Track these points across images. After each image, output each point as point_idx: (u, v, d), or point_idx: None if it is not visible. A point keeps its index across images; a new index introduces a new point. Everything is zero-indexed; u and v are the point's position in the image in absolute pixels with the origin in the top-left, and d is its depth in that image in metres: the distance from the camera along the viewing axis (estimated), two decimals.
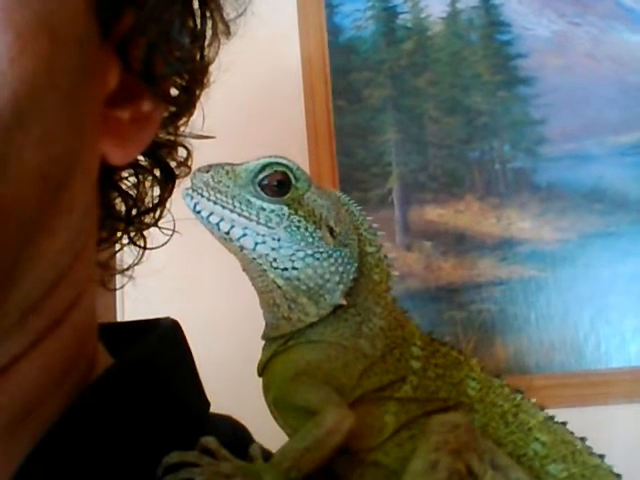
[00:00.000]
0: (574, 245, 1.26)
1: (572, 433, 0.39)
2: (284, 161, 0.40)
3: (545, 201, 1.28)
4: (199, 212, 0.39)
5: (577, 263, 1.25)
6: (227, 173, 0.39)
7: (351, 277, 0.39)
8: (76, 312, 0.40)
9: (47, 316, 0.38)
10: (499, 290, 1.26)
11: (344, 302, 0.39)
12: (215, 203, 0.39)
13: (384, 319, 0.39)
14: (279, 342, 0.39)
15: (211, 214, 0.39)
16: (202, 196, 0.39)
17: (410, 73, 1.36)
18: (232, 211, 0.39)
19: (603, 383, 1.20)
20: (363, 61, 1.38)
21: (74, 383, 0.39)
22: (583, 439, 0.39)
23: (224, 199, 0.39)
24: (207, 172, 0.40)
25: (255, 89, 1.22)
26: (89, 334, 0.42)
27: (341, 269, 0.39)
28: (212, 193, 0.39)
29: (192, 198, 0.39)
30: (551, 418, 0.39)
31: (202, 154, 0.50)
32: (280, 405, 0.38)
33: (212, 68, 0.47)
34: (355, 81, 1.38)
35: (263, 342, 0.41)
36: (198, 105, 0.46)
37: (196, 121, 0.47)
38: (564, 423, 0.39)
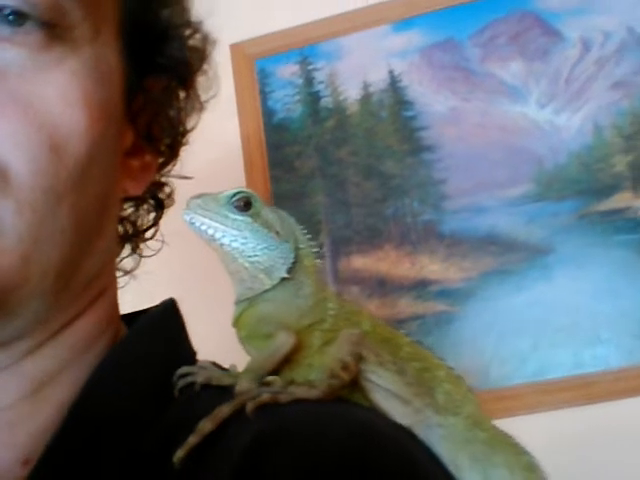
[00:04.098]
0: (476, 282, 1.40)
1: (427, 348, 0.55)
2: (248, 190, 0.56)
3: (450, 247, 1.42)
4: (193, 223, 0.55)
5: (479, 297, 1.39)
6: (212, 198, 0.55)
7: (291, 261, 0.55)
8: (110, 291, 0.56)
9: (96, 291, 0.53)
10: (416, 324, 1.41)
11: (287, 276, 0.55)
12: (204, 217, 0.54)
13: (311, 287, 0.56)
14: (246, 303, 0.56)
15: (202, 224, 0.54)
16: (196, 213, 0.54)
17: (333, 146, 1.52)
18: (216, 222, 0.54)
19: (508, 398, 1.34)
20: (294, 137, 1.54)
21: (109, 338, 0.54)
22: (422, 343, 0.55)
23: (210, 214, 0.54)
24: (198, 198, 0.55)
25: (203, 163, 1.36)
26: (116, 308, 0.58)
27: (285, 256, 0.55)
28: (202, 211, 0.54)
29: (189, 215, 0.55)
30: (414, 341, 0.55)
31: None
32: (250, 338, 0.54)
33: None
34: (288, 154, 1.53)
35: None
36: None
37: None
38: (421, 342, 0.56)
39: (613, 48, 1.43)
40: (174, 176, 0.65)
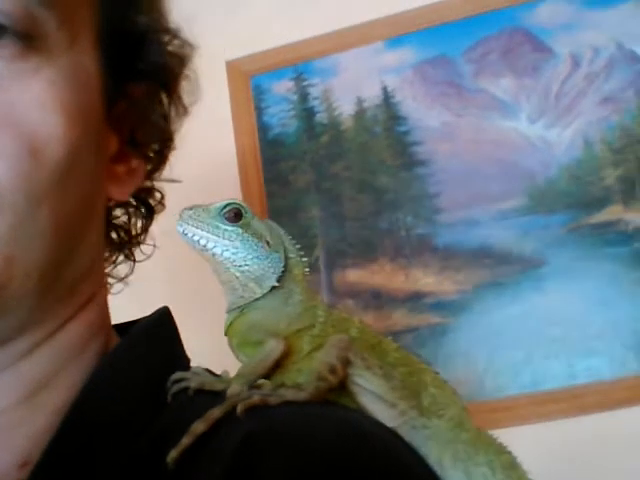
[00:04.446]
0: (470, 295, 1.41)
1: (413, 355, 0.57)
2: (238, 201, 0.57)
3: (444, 260, 1.44)
4: (186, 234, 0.56)
5: (473, 310, 1.40)
6: (203, 210, 0.57)
7: (280, 270, 0.57)
8: (99, 297, 0.56)
9: (85, 295, 0.54)
10: (411, 336, 1.42)
11: (277, 284, 0.57)
12: (196, 228, 0.56)
13: (301, 295, 0.57)
14: (237, 311, 0.57)
15: (194, 235, 0.56)
16: (188, 224, 0.56)
17: (328, 161, 1.54)
18: (207, 232, 0.56)
19: (502, 409, 1.35)
20: (289, 152, 1.55)
21: (101, 342, 0.55)
22: (419, 356, 0.57)
23: (202, 225, 0.56)
24: (191, 209, 0.57)
25: (199, 179, 1.32)
26: (107, 313, 0.58)
27: (274, 265, 0.57)
28: (194, 222, 0.56)
29: (182, 226, 0.56)
30: (400, 346, 0.57)
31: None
32: (241, 345, 0.56)
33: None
34: (283, 169, 1.55)
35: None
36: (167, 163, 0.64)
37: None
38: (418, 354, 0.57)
39: (602, 64, 1.45)
40: (164, 180, 0.66)
